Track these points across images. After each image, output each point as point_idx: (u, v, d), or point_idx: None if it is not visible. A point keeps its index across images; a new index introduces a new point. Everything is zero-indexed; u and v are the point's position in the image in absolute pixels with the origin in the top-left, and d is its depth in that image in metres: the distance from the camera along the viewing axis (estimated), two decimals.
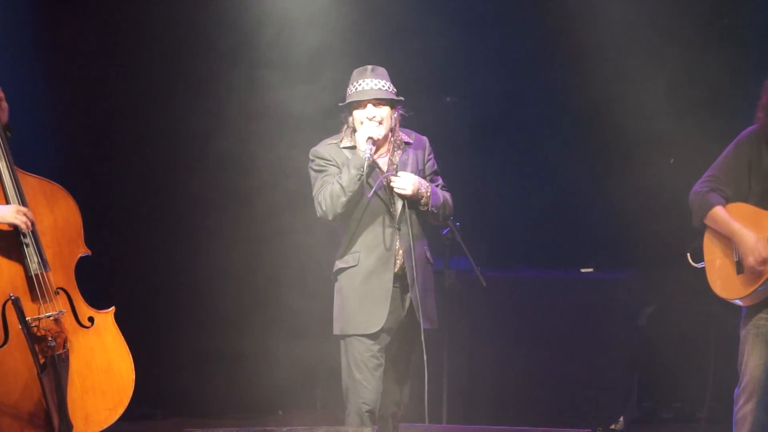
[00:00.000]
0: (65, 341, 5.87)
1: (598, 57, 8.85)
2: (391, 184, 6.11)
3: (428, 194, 6.17)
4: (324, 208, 6.05)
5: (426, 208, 6.18)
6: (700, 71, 8.53)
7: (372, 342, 6.05)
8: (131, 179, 8.99)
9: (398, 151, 6.20)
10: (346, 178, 5.98)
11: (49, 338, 5.78)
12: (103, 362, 6.01)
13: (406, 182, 6.11)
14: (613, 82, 8.88)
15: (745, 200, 6.12)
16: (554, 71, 8.95)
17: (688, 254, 6.22)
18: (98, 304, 6.09)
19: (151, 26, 8.80)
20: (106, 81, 8.86)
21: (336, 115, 6.38)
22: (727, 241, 6.09)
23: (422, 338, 6.16)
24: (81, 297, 6.02)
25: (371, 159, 6.01)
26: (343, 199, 6.00)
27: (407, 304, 6.14)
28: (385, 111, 6.11)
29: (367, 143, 6.03)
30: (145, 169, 9.01)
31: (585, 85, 8.87)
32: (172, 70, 8.92)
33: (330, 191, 6.02)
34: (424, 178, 6.24)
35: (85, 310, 6.01)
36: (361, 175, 5.97)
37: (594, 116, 8.96)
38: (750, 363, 6.05)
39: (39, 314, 5.82)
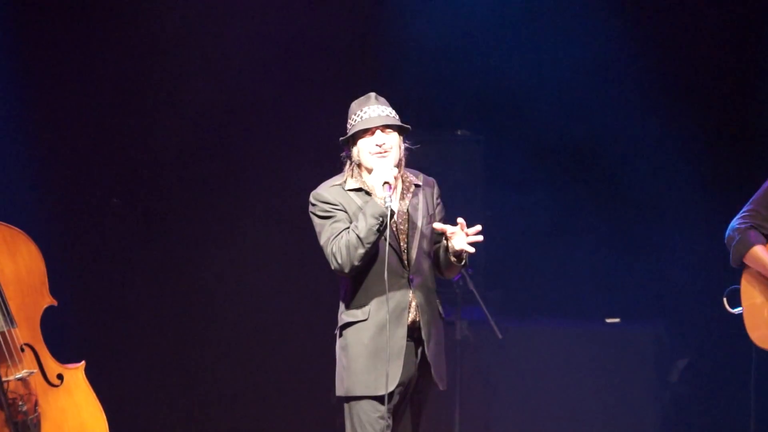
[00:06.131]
0: (36, 404, 5.72)
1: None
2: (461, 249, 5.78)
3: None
4: (340, 261, 5.63)
5: (463, 262, 5.91)
6: None
7: (380, 402, 5.68)
8: (100, 222, 8.91)
9: (408, 194, 5.92)
10: (364, 228, 5.61)
11: (19, 402, 5.65)
12: (75, 423, 5.85)
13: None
14: (637, 136, 8.97)
15: None
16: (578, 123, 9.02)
17: (725, 298, 6.13)
18: (66, 357, 5.90)
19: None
20: (73, 119, 8.77)
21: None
22: None
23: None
24: (48, 353, 5.84)
25: (390, 208, 5.68)
26: (361, 251, 5.61)
27: (419, 359, 5.77)
28: (394, 138, 5.81)
29: (384, 189, 5.72)
30: (115, 210, 8.94)
31: (610, 134, 8.88)
32: (141, 115, 8.89)
33: (346, 242, 5.63)
34: (434, 221, 5.94)
35: (53, 367, 5.83)
36: (380, 225, 5.60)
37: (616, 162, 8.98)
38: None
39: (6, 376, 5.65)
